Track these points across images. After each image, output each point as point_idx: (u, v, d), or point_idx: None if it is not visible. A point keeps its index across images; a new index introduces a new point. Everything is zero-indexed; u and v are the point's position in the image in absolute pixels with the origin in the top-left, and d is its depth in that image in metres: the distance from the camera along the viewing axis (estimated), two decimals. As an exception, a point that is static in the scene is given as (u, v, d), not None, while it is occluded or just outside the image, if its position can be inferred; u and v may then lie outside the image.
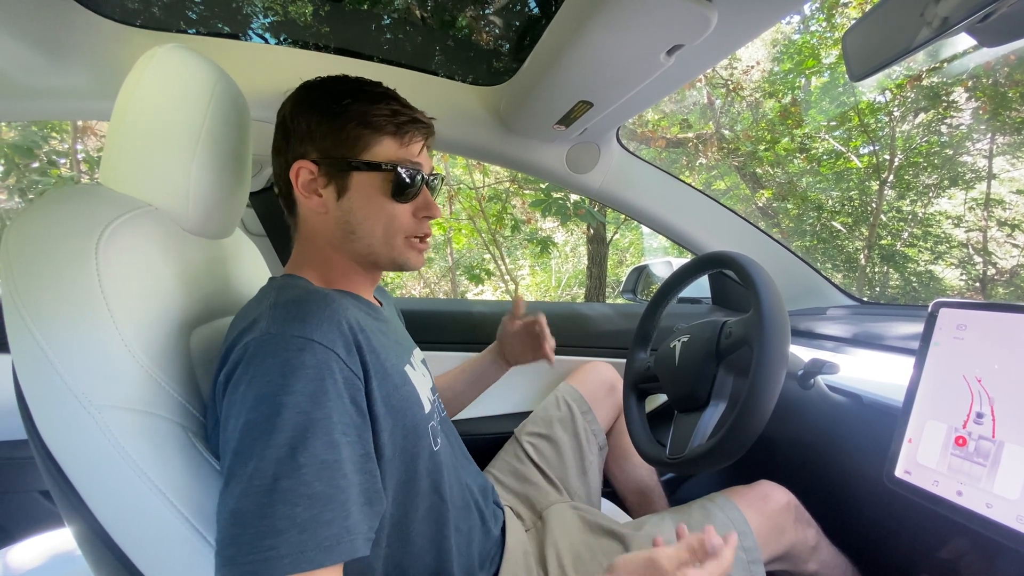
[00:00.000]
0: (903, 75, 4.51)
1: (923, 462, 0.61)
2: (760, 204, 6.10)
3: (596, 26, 0.67)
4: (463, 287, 7.11)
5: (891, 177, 5.02)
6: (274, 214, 1.16)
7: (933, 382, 0.63)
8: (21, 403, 0.50)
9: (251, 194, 1.12)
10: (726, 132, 5.82)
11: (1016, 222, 5.07)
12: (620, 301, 3.35)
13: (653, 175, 1.23)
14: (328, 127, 0.60)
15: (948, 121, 4.88)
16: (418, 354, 0.76)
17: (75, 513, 0.49)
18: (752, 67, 5.48)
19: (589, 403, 1.04)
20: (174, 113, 0.58)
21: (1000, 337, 0.58)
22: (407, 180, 0.61)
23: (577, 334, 1.31)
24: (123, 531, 0.49)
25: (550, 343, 0.92)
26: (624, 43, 0.70)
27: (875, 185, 5.22)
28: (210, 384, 0.53)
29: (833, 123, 5.22)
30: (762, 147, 5.30)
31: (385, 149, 0.60)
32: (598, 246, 4.87)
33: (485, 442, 1.10)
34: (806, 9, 4.90)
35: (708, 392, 0.78)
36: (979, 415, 0.57)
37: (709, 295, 1.50)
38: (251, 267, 0.78)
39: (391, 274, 5.73)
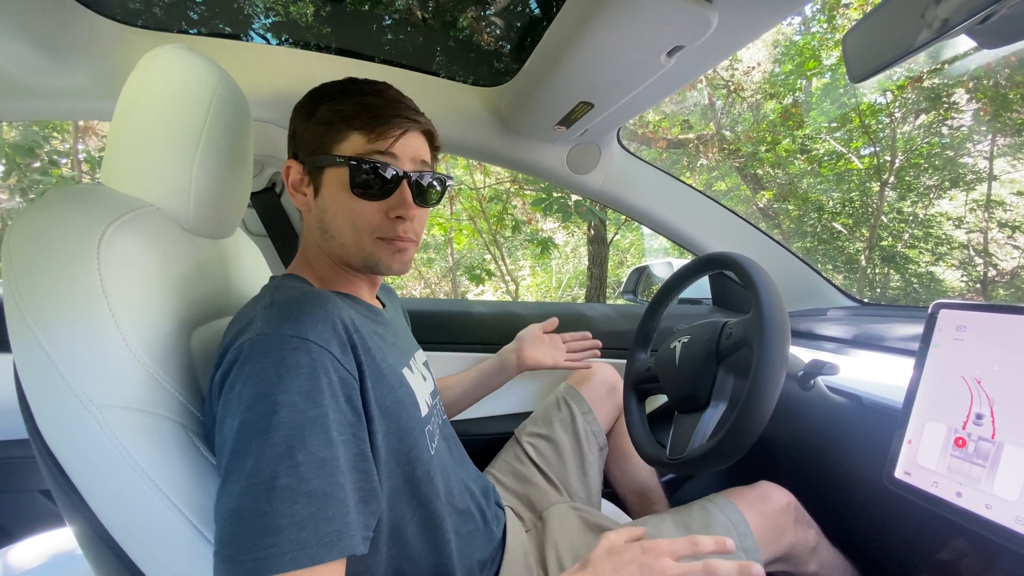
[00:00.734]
0: (904, 76, 4.51)
1: (923, 463, 0.61)
2: (761, 205, 6.10)
3: (597, 27, 0.67)
4: (464, 287, 7.11)
5: (892, 178, 5.02)
6: (275, 214, 1.16)
7: (933, 383, 0.63)
8: (22, 402, 0.50)
9: (252, 194, 1.12)
10: (727, 133, 5.82)
11: (1017, 224, 5.07)
12: (620, 302, 3.35)
13: (654, 176, 1.23)
14: (306, 126, 0.61)
15: (949, 122, 4.88)
16: (420, 356, 0.76)
17: (76, 512, 0.49)
18: (753, 68, 5.49)
19: (589, 404, 1.04)
20: (175, 113, 0.58)
21: (1000, 338, 0.58)
22: (370, 175, 0.58)
23: None
24: (124, 530, 0.49)
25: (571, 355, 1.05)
26: (625, 44, 0.70)
27: (876, 186, 5.22)
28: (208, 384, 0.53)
29: (834, 124, 5.22)
30: (763, 148, 5.30)
31: (352, 144, 0.59)
32: (598, 247, 4.87)
33: (485, 442, 1.10)
34: (807, 10, 4.91)
35: (708, 393, 0.78)
36: (979, 416, 0.57)
37: (709, 296, 1.50)
38: (252, 267, 0.78)
39: (391, 274, 5.72)
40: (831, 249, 5.72)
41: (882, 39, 0.54)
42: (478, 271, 5.09)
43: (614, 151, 1.18)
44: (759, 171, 5.72)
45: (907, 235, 5.39)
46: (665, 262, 1.72)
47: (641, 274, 1.83)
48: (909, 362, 0.66)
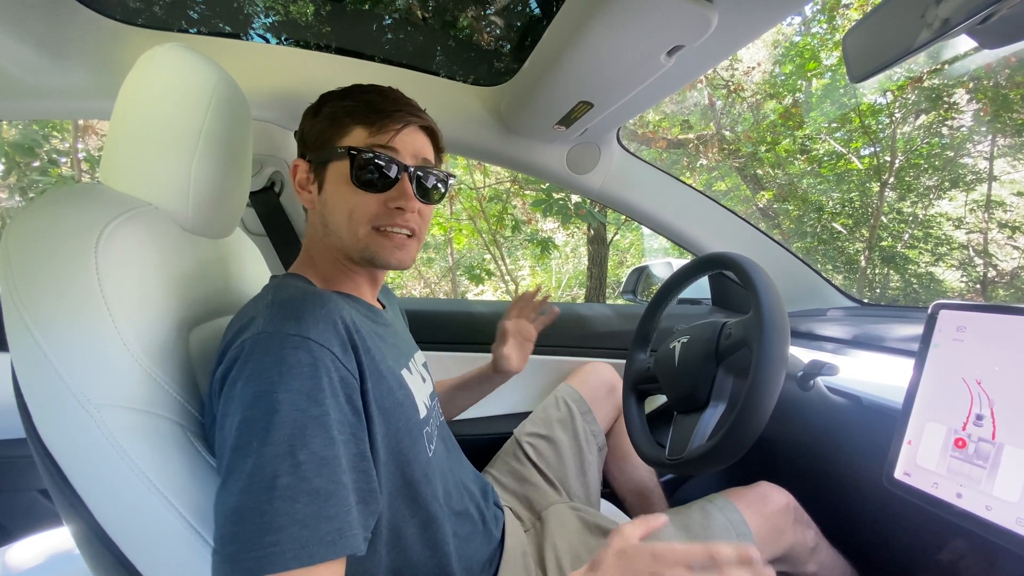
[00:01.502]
0: (904, 77, 4.51)
1: (922, 464, 0.61)
2: (761, 205, 6.10)
3: (597, 27, 0.67)
4: (463, 287, 7.11)
5: (892, 179, 5.02)
6: (274, 214, 1.16)
7: (933, 384, 0.63)
8: (20, 402, 0.50)
9: (251, 194, 1.12)
10: (727, 133, 5.82)
11: (1017, 224, 5.07)
12: (620, 302, 3.35)
13: (654, 176, 1.23)
14: (312, 123, 0.63)
15: (949, 123, 4.88)
16: (419, 358, 0.76)
17: (73, 512, 0.49)
18: (753, 68, 5.48)
19: (589, 404, 1.04)
20: (174, 112, 0.58)
21: (1000, 339, 0.58)
22: (370, 166, 0.59)
23: (577, 335, 1.31)
24: (121, 530, 0.49)
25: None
26: (625, 44, 0.70)
27: (876, 186, 5.22)
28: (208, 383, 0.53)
29: (834, 124, 5.22)
30: (763, 148, 5.30)
31: (354, 138, 0.60)
32: (598, 247, 4.87)
33: (484, 442, 1.10)
34: (807, 11, 4.90)
35: (708, 393, 0.78)
36: (979, 417, 0.57)
37: (709, 296, 1.50)
38: (251, 267, 0.78)
39: (391, 274, 5.73)
40: (831, 249, 5.72)
41: (882, 39, 0.54)
42: (478, 271, 5.09)
43: (614, 151, 1.17)
44: (759, 171, 5.72)
45: (907, 235, 5.39)
46: (664, 262, 1.72)
47: (641, 274, 1.83)
48: (909, 363, 0.66)
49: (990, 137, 4.90)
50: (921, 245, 5.43)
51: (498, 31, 1.08)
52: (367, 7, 1.04)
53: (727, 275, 1.35)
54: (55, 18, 0.83)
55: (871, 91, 4.81)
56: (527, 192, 4.79)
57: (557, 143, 1.14)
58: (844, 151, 5.25)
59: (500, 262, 5.75)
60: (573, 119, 0.97)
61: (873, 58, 0.55)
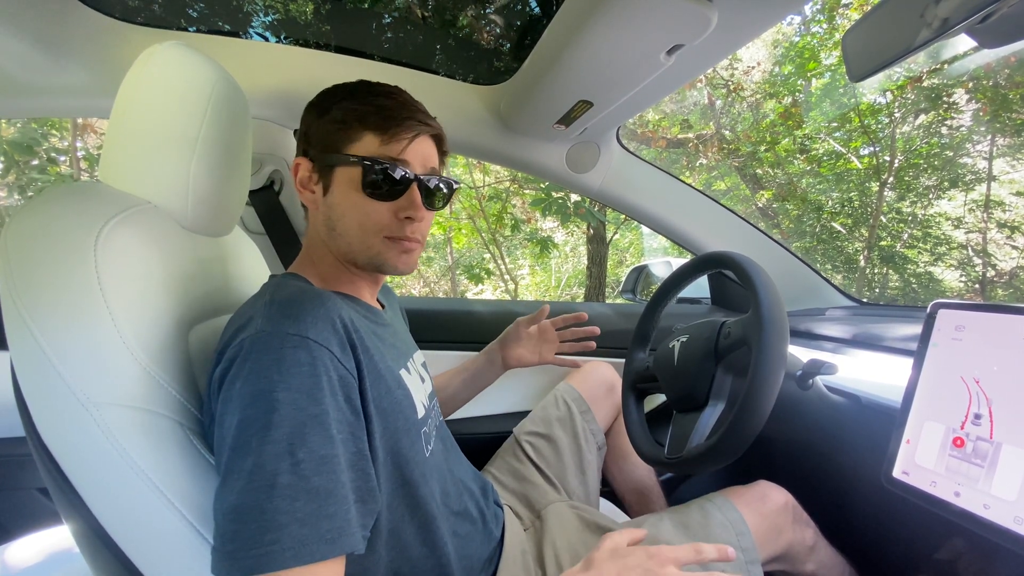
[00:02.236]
0: (904, 76, 4.51)
1: (921, 463, 0.61)
2: (760, 205, 6.10)
3: (596, 26, 0.67)
4: (463, 286, 7.11)
5: (891, 178, 5.02)
6: (273, 212, 1.16)
7: (931, 383, 0.63)
8: (19, 400, 0.50)
9: (251, 192, 1.12)
10: (726, 133, 5.82)
11: (1016, 224, 5.08)
12: (619, 301, 3.35)
13: (653, 175, 1.23)
14: (319, 123, 0.61)
15: (948, 123, 4.89)
16: (418, 357, 0.76)
17: (73, 511, 0.49)
18: (753, 68, 5.48)
19: (588, 403, 1.04)
20: (173, 110, 0.58)
21: (999, 338, 0.58)
22: (381, 176, 0.59)
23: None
24: (121, 528, 0.49)
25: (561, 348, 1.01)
26: (624, 43, 0.70)
27: (875, 186, 5.22)
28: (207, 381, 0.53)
29: (833, 124, 5.22)
30: (762, 148, 5.30)
31: (366, 144, 0.60)
32: (598, 246, 4.87)
33: (484, 441, 1.10)
34: (807, 10, 4.90)
35: (707, 392, 0.78)
36: (977, 416, 0.57)
37: (708, 295, 1.50)
38: (250, 265, 0.78)
39: (391, 273, 5.73)
40: (830, 249, 5.72)
41: (882, 38, 0.54)
42: (477, 270, 5.08)
43: (613, 150, 1.17)
44: (758, 171, 5.72)
45: (906, 235, 5.39)
46: (664, 261, 1.72)
47: (640, 273, 1.83)
48: (908, 362, 0.66)
49: (989, 137, 4.91)
50: (920, 245, 5.43)
51: (498, 30, 1.08)
52: (367, 6, 1.04)
53: (726, 274, 1.36)
54: (54, 16, 0.82)
55: (871, 91, 4.81)
56: (526, 191, 4.79)
57: (557, 142, 1.14)
58: (843, 151, 5.26)
59: (499, 261, 5.75)
60: (573, 118, 0.97)
61: (872, 57, 0.56)
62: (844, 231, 5.57)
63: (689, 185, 1.27)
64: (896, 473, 0.63)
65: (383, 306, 0.75)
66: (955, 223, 5.31)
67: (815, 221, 5.65)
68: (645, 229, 5.94)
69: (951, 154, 5.08)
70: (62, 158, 4.20)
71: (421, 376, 0.71)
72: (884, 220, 5.41)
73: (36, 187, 3.76)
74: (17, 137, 3.62)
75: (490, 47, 1.10)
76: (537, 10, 0.97)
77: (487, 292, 6.71)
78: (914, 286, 5.47)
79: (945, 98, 4.61)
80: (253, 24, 1.04)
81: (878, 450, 0.66)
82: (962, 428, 0.58)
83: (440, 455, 0.68)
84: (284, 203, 1.16)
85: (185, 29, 0.98)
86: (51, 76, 0.89)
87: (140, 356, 0.49)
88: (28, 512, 1.01)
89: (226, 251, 0.72)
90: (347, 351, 0.51)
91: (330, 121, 0.61)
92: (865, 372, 0.86)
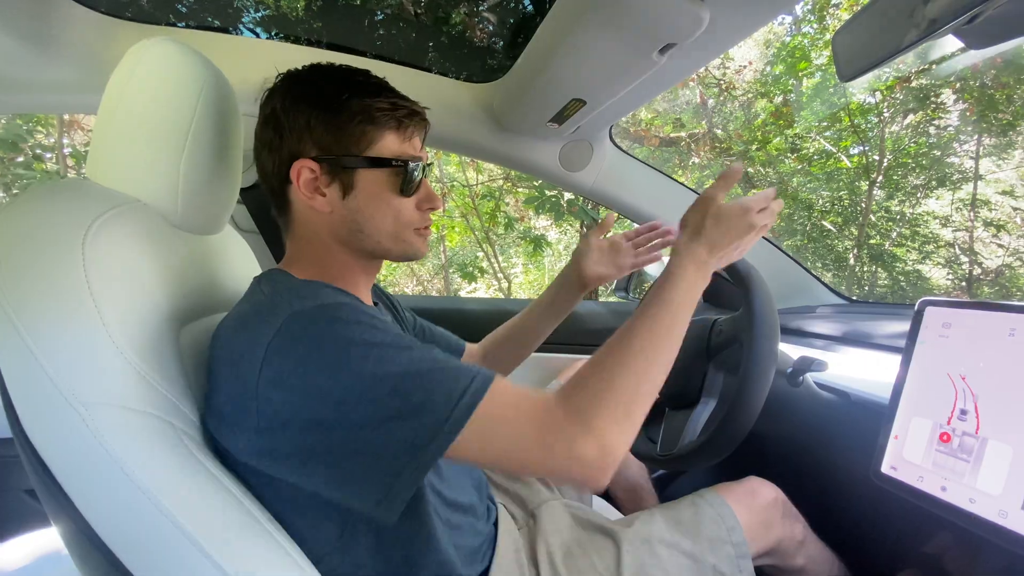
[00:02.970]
0: (892, 76, 4.55)
1: (909, 458, 0.62)
2: (751, 203, 6.12)
3: (589, 24, 0.67)
4: (456, 285, 7.09)
5: (880, 177, 5.07)
6: (265, 210, 1.15)
7: (919, 380, 0.64)
8: (6, 400, 0.49)
9: (242, 190, 1.11)
10: (718, 131, 5.85)
11: (1001, 222, 5.15)
12: (612, 299, 3.36)
13: (646, 174, 1.24)
14: (329, 123, 0.58)
15: (936, 123, 4.94)
16: None
17: (62, 512, 0.49)
18: (744, 67, 5.51)
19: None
20: (163, 107, 0.57)
21: (984, 336, 0.59)
22: (405, 174, 0.60)
23: (569, 332, 1.31)
24: (110, 530, 0.49)
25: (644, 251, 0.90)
26: (617, 41, 0.70)
27: (864, 185, 5.27)
28: (201, 383, 0.53)
29: (824, 123, 5.27)
30: (754, 147, 5.33)
31: (388, 144, 0.60)
32: (591, 244, 4.86)
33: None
34: (798, 10, 4.94)
35: (698, 389, 0.79)
36: (963, 412, 0.58)
37: (700, 293, 1.50)
38: (241, 264, 0.78)
39: (383, 271, 5.71)
40: (820, 247, 5.77)
41: (871, 39, 0.55)
42: (470, 268, 5.07)
43: (606, 148, 1.18)
44: (750, 169, 5.75)
45: (895, 234, 5.45)
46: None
47: (633, 272, 1.83)
48: (896, 359, 0.67)
49: (976, 137, 4.97)
50: (908, 243, 5.49)
51: (491, 28, 1.07)
52: (359, 2, 1.04)
53: (718, 272, 1.36)
54: (40, 10, 0.81)
55: (860, 90, 4.85)
56: (520, 189, 4.78)
57: (550, 140, 1.14)
58: (834, 150, 5.30)
59: (493, 260, 5.74)
60: (566, 116, 0.97)
61: (862, 58, 0.56)
62: (834, 230, 5.62)
63: (682, 184, 1.27)
64: (884, 468, 0.64)
65: (376, 304, 0.75)
66: (943, 222, 5.38)
67: (806, 220, 5.69)
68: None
69: (939, 154, 5.14)
70: (48, 155, 4.13)
71: None
72: (873, 219, 5.46)
73: (22, 184, 3.70)
74: (2, 133, 3.56)
75: (483, 44, 1.10)
76: (530, 8, 0.97)
77: (480, 290, 6.70)
78: (903, 284, 5.53)
79: (933, 98, 4.66)
80: (243, 20, 1.03)
81: (867, 446, 0.67)
82: (949, 424, 0.59)
83: None
84: (275, 201, 1.15)
85: (174, 24, 0.97)
86: (38, 72, 0.87)
87: (129, 355, 0.48)
88: (16, 514, 1.00)
89: (216, 249, 0.71)
90: None
91: (344, 122, 0.58)
92: (854, 369, 0.87)
